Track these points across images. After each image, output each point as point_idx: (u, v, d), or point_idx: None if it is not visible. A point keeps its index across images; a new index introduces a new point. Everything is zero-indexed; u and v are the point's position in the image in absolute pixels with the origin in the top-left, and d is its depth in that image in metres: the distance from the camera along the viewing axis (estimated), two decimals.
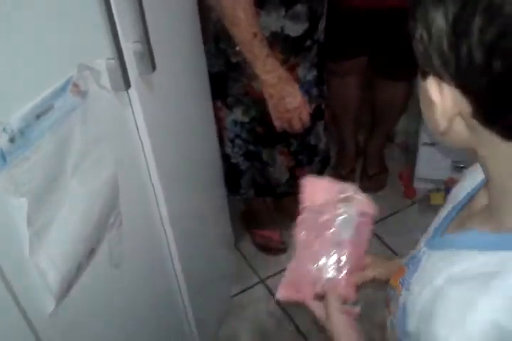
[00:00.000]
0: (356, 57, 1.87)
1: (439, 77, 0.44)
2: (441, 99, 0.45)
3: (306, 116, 1.29)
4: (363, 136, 2.21)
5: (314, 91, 1.46)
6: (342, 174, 2.16)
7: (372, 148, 2.16)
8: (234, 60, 1.33)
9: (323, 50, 1.44)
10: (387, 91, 1.97)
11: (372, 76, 1.96)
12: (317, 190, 0.81)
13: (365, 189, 2.25)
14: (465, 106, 0.43)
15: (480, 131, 0.44)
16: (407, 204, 2.05)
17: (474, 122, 0.44)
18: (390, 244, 1.85)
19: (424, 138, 1.94)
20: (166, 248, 1.09)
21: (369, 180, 2.14)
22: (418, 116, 1.97)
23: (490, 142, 0.45)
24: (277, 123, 1.31)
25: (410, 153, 2.15)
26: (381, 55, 1.86)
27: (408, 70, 1.89)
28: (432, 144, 1.94)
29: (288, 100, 1.24)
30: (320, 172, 1.72)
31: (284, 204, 1.95)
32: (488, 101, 0.42)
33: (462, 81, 0.42)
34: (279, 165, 1.55)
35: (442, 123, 0.46)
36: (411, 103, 2.03)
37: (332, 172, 2.18)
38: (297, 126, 1.30)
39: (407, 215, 1.99)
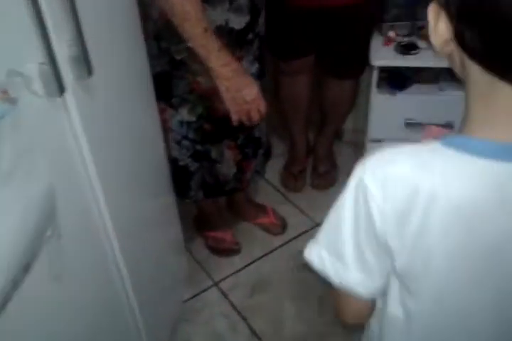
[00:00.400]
0: (305, 56, 1.88)
1: (440, 5, 0.54)
2: (437, 22, 0.54)
3: (263, 107, 1.30)
4: (313, 135, 2.23)
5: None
6: (293, 173, 2.17)
7: (321, 146, 2.18)
8: (178, 57, 1.32)
9: (263, 43, 1.45)
10: (334, 90, 1.99)
11: (320, 75, 1.98)
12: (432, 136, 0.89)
13: (316, 187, 2.28)
14: (451, 30, 0.53)
15: (463, 55, 0.54)
16: None
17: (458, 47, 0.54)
18: None
19: (371, 135, 1.97)
20: (111, 257, 1.06)
21: (320, 177, 2.16)
22: (365, 114, 2.01)
23: (469, 67, 0.55)
24: (235, 117, 1.30)
25: (359, 150, 2.18)
26: (328, 54, 1.87)
27: (354, 68, 1.95)
28: (379, 141, 1.97)
29: (245, 92, 1.25)
30: (263, 164, 1.72)
31: (235, 203, 1.94)
32: (458, 24, 0.52)
33: (447, 5, 0.52)
34: (227, 160, 1.55)
35: (436, 44, 0.56)
36: (358, 101, 2.06)
37: (283, 172, 2.19)
38: (256, 118, 1.31)
39: None
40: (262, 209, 1.97)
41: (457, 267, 0.61)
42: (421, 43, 1.87)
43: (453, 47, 0.55)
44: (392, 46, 1.89)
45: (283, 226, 1.95)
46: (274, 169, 2.20)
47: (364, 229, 0.63)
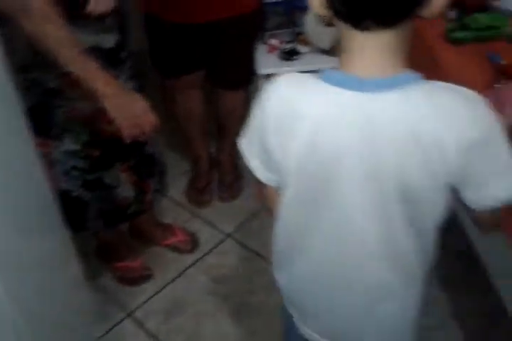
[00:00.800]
0: (194, 71, 1.88)
1: None
2: None
3: (155, 118, 1.30)
4: (215, 148, 2.22)
5: None
6: (199, 187, 2.15)
7: (224, 158, 2.17)
8: (51, 85, 1.28)
9: (137, 61, 1.45)
10: (226, 101, 2.00)
11: (210, 87, 1.98)
12: None
13: (223, 199, 2.27)
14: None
15: (332, 15, 0.72)
16: (265, 206, 2.10)
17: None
18: (253, 247, 1.88)
19: None
20: (3, 314, 0.98)
21: (226, 189, 2.15)
22: None
23: (337, 22, 0.72)
24: (127, 132, 1.28)
25: None
26: (216, 67, 1.88)
27: (243, 79, 1.96)
28: None
29: (134, 106, 1.26)
30: (161, 182, 1.69)
31: (139, 228, 1.89)
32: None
33: None
34: (124, 183, 1.51)
35: (315, 9, 0.73)
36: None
37: (188, 188, 2.16)
38: (149, 130, 1.31)
39: (266, 217, 2.01)
40: (168, 229, 1.93)
41: (306, 168, 0.79)
42: (302, 48, 1.93)
43: (326, 10, 0.72)
44: (275, 53, 1.94)
45: (193, 243, 1.91)
46: (179, 186, 2.17)
47: (261, 129, 0.82)
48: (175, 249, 1.89)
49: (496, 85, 1.29)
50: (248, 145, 0.88)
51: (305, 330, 0.99)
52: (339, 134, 0.73)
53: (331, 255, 0.86)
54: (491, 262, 1.30)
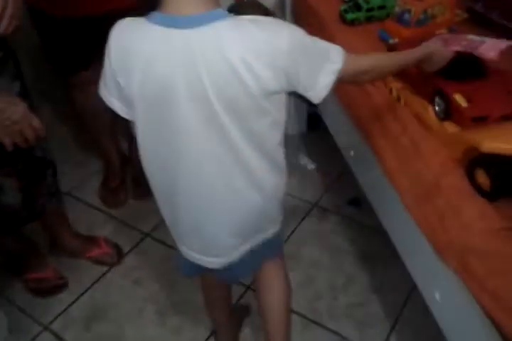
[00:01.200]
0: (91, 65, 1.79)
1: None
2: None
3: (36, 123, 1.20)
4: (126, 144, 2.15)
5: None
6: (112, 187, 2.07)
7: (136, 153, 2.10)
8: None
9: (18, 60, 1.36)
10: None
11: None
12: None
13: (138, 197, 2.17)
14: None
15: None
16: None
17: None
18: (173, 244, 1.80)
19: None
20: None
21: (141, 186, 2.08)
22: None
23: None
24: (7, 141, 1.18)
25: None
26: None
27: None
28: None
29: (10, 111, 1.15)
30: (55, 185, 1.60)
31: (59, 241, 1.78)
32: None
33: None
34: (9, 190, 1.41)
35: None
36: None
37: (101, 189, 2.08)
38: (31, 135, 1.20)
39: None
40: (91, 240, 1.83)
41: (146, 100, 0.90)
42: None
43: None
44: None
45: (118, 254, 1.82)
46: (91, 188, 2.08)
47: (110, 72, 0.93)
48: (98, 261, 1.79)
49: None
50: (106, 89, 0.98)
51: (184, 250, 1.14)
52: (167, 65, 0.85)
53: (191, 179, 0.97)
54: (396, 239, 1.33)
